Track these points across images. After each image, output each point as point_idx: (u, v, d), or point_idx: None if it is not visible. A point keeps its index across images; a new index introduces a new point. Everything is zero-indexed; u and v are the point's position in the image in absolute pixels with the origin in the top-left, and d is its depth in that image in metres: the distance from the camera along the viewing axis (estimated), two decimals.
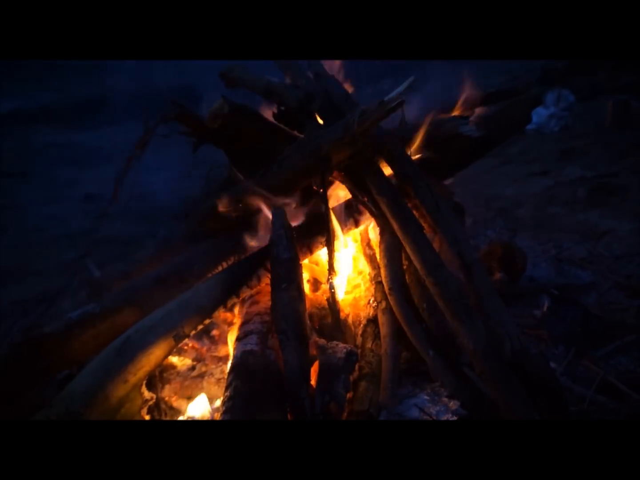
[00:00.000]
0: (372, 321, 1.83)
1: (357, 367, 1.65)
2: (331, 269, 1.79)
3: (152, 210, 4.36)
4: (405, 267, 1.82)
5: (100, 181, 5.03)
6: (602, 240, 3.15)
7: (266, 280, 1.78)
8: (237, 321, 1.86)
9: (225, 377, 1.78)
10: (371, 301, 1.89)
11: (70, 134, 7.23)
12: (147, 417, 1.63)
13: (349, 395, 1.55)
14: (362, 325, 1.84)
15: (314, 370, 1.59)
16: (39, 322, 2.61)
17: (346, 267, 2.18)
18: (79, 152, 6.38)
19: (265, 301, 1.85)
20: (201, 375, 1.95)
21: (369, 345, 1.76)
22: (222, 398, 1.55)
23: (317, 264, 2.13)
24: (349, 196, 2.02)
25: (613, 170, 4.22)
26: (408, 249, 1.72)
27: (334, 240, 1.83)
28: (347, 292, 2.05)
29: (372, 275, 1.95)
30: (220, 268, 1.92)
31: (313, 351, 1.63)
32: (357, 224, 2.04)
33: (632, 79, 6.29)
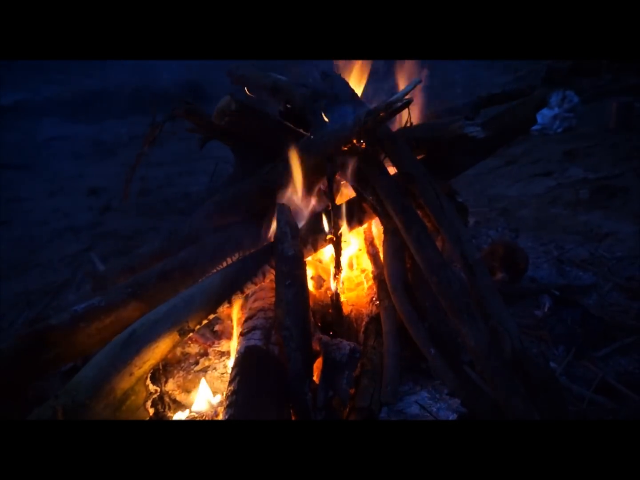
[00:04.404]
0: (375, 319, 1.84)
1: (359, 364, 1.67)
2: (337, 266, 1.80)
3: (155, 204, 4.39)
4: (408, 266, 1.83)
5: (103, 175, 5.06)
6: (604, 242, 3.16)
7: (270, 276, 1.80)
8: (241, 316, 1.87)
9: (228, 371, 1.81)
10: (374, 299, 1.90)
11: (74, 127, 7.24)
12: (151, 410, 1.65)
13: (351, 391, 1.57)
14: (364, 322, 1.86)
15: (316, 366, 1.61)
16: (43, 314, 2.64)
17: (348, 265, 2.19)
18: (83, 145, 6.40)
19: (270, 297, 1.87)
20: (204, 370, 1.97)
21: (371, 342, 1.77)
22: (225, 392, 1.57)
23: (320, 261, 2.15)
24: (354, 194, 2.03)
25: (616, 172, 4.23)
26: (411, 248, 1.74)
27: (340, 237, 1.85)
28: (350, 290, 2.07)
29: (375, 273, 1.96)
30: (225, 264, 1.94)
31: (316, 347, 1.65)
32: (361, 222, 2.05)
33: (637, 80, 6.29)
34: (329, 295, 1.94)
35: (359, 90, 2.20)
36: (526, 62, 7.56)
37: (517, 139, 4.03)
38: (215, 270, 1.90)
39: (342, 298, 1.94)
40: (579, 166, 4.52)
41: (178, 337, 1.62)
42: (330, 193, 1.83)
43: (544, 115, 5.40)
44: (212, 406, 1.77)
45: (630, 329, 2.22)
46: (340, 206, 1.97)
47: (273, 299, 1.69)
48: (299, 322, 1.55)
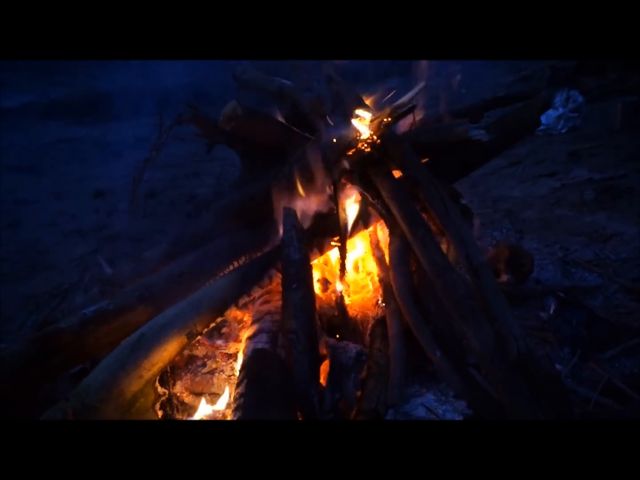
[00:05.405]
0: (380, 321, 1.86)
1: (365, 366, 1.69)
2: (343, 268, 1.81)
3: (161, 207, 4.40)
4: (413, 268, 1.85)
5: (110, 177, 5.09)
6: (609, 243, 3.15)
7: (277, 280, 1.81)
8: (249, 320, 1.89)
9: (236, 373, 1.82)
10: (379, 302, 1.92)
11: (80, 129, 7.28)
12: (159, 412, 1.66)
13: (357, 393, 1.59)
14: (370, 325, 1.87)
15: (323, 369, 1.63)
16: (51, 316, 2.67)
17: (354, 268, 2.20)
18: (89, 147, 6.43)
19: (276, 300, 1.88)
20: (212, 372, 1.98)
21: (377, 345, 1.79)
22: (232, 395, 1.59)
23: (326, 264, 2.16)
24: (360, 198, 2.05)
25: (621, 172, 4.21)
26: (417, 251, 1.75)
27: (346, 240, 1.86)
28: (355, 293, 2.08)
29: (381, 276, 1.98)
30: (232, 267, 1.95)
31: (322, 350, 1.66)
32: (366, 225, 2.07)
33: None
34: (334, 298, 1.96)
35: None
36: (531, 62, 7.54)
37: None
38: (222, 274, 1.92)
39: (347, 301, 1.95)
40: (583, 167, 4.50)
41: (186, 340, 1.63)
42: (335, 197, 1.84)
43: (548, 116, 5.38)
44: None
45: (636, 331, 2.22)
46: (345, 209, 1.98)
47: (280, 302, 1.71)
48: (305, 325, 1.56)
